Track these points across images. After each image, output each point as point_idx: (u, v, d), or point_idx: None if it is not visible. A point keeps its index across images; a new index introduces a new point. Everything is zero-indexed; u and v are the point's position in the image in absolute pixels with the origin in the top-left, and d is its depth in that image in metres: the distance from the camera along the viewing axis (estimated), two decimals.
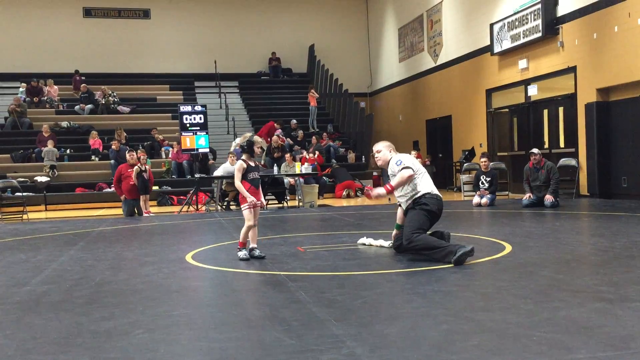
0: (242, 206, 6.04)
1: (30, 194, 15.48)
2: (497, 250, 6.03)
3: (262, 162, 15.89)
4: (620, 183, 12.34)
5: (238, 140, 6.13)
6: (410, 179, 5.70)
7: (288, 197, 14.74)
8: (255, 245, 6.09)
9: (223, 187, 13.66)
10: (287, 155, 16.69)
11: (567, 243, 6.43)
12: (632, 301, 3.78)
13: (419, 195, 5.75)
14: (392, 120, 23.53)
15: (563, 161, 13.27)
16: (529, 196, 10.86)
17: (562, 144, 14.20)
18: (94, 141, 18.30)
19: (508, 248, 6.12)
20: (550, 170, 10.71)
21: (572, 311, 3.59)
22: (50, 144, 17.33)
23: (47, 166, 16.95)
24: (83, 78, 21.92)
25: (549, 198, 10.49)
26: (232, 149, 13.87)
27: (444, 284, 4.56)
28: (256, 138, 6.08)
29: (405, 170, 5.68)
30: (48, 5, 23.11)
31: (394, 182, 5.73)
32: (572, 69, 13.31)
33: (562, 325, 3.30)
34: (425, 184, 5.81)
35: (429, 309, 3.76)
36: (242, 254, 5.96)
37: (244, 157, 6.03)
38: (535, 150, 10.96)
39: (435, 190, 5.83)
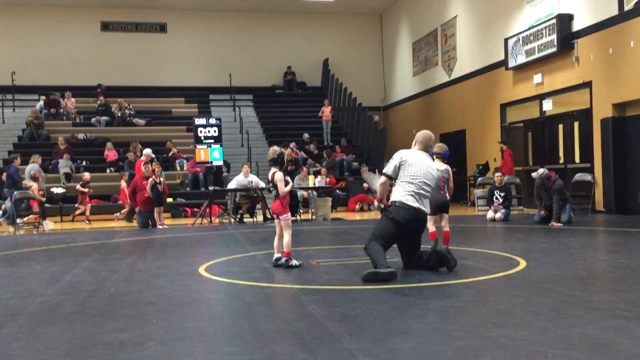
0: (283, 216, 6.18)
1: (46, 205, 15.60)
2: (511, 265, 5.99)
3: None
4: (637, 199, 12.21)
5: (271, 154, 6.36)
6: (385, 185, 5.86)
7: (301, 210, 14.76)
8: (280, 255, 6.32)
9: (237, 199, 13.70)
10: (304, 169, 16.75)
11: (582, 259, 6.37)
12: None
13: (391, 200, 5.79)
14: (406, 134, 23.48)
15: (578, 176, 13.16)
16: (543, 213, 10.63)
17: (577, 159, 14.09)
18: (109, 153, 18.47)
19: (522, 264, 6.07)
20: (554, 192, 10.24)
21: (587, 328, 3.55)
22: (66, 157, 17.49)
23: (62, 175, 17.13)
24: (99, 90, 22.17)
25: (553, 225, 10.11)
26: None
27: (457, 299, 4.54)
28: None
29: (381, 177, 5.89)
30: (66, 20, 23.45)
31: (377, 191, 5.99)
32: (588, 84, 13.25)
33: (577, 343, 3.27)
34: (399, 192, 5.72)
35: (442, 325, 3.74)
36: (294, 262, 6.15)
37: (276, 169, 6.30)
38: (534, 175, 10.50)
39: (411, 201, 5.64)
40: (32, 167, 14.85)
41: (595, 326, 3.60)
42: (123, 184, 15.10)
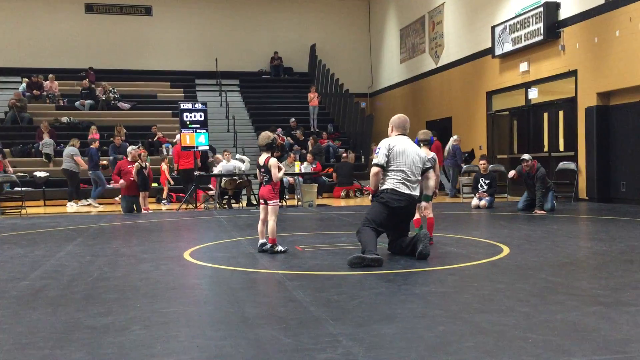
0: (272, 202, 6.20)
1: (29, 189, 15.46)
2: (494, 252, 6.04)
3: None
4: (619, 187, 12.35)
5: (263, 139, 6.36)
6: (377, 176, 5.83)
7: (287, 196, 14.75)
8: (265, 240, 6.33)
9: (222, 184, 13.66)
10: (291, 155, 16.72)
11: (564, 246, 6.44)
12: (628, 305, 3.79)
13: (381, 188, 5.83)
14: None
15: (562, 165, 13.27)
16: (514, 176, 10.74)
17: (561, 148, 14.20)
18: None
19: (506, 250, 6.12)
20: (537, 180, 10.38)
21: (568, 314, 3.60)
22: (45, 137, 17.34)
23: (44, 155, 17.02)
24: (92, 73, 21.93)
25: (536, 212, 10.24)
26: None
27: (441, 285, 4.57)
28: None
29: (373, 167, 5.87)
30: (50, 1, 23.08)
31: (370, 182, 5.99)
32: (573, 73, 13.32)
33: (559, 328, 3.31)
34: (392, 180, 5.77)
35: (426, 310, 3.77)
36: (279, 247, 6.17)
37: (268, 154, 6.28)
38: (526, 156, 10.66)
39: (402, 188, 5.73)
40: (71, 150, 14.75)
41: (577, 312, 3.64)
42: (164, 166, 15.62)
